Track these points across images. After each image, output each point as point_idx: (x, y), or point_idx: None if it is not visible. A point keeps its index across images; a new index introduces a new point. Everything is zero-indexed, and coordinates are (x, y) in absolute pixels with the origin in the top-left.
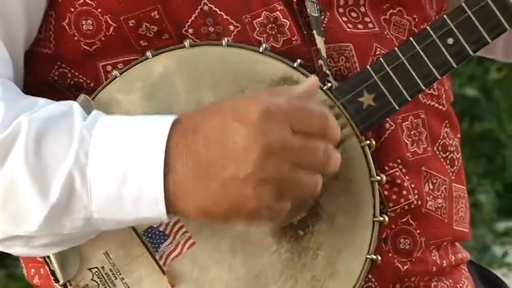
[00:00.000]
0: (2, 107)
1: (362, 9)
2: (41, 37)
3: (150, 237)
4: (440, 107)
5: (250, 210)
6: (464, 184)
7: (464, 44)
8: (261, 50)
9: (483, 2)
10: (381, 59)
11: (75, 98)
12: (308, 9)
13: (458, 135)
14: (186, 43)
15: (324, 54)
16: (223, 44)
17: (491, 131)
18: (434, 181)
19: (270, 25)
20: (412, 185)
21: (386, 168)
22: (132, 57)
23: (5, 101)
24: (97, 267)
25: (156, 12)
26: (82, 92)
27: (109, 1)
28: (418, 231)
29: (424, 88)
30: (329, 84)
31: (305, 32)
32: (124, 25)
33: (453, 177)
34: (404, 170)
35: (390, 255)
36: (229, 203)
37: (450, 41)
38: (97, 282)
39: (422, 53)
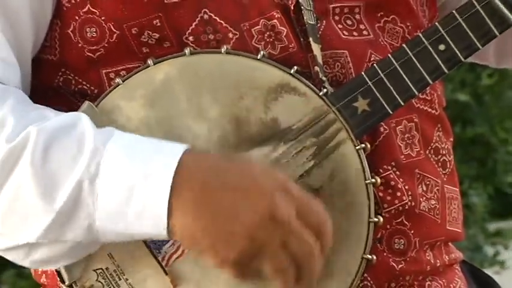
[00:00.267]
0: (12, 119)
1: (357, 16)
2: (46, 44)
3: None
4: (433, 111)
5: (227, 256)
6: (457, 186)
7: (456, 50)
8: (259, 57)
9: (473, 9)
10: (375, 65)
11: (79, 104)
12: (305, 17)
13: (451, 139)
14: (187, 51)
15: (320, 60)
16: (223, 51)
17: (482, 135)
18: (427, 183)
19: (267, 33)
20: (406, 187)
21: (381, 170)
22: (135, 64)
23: (16, 113)
24: (102, 268)
25: (157, 20)
26: (86, 98)
27: (112, 9)
28: (412, 232)
29: (416, 93)
30: (325, 90)
31: (302, 40)
32: (127, 32)
33: (445, 179)
34: (398, 172)
35: (385, 255)
36: (214, 242)
37: (442, 47)
38: (102, 282)
39: (414, 59)
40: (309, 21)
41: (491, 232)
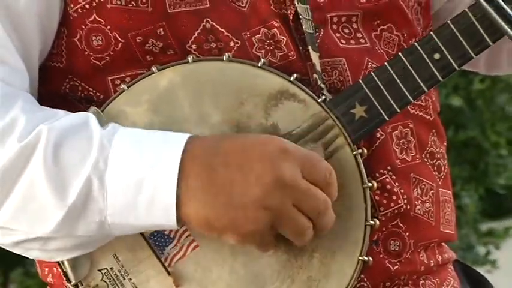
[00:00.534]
0: (23, 118)
1: (354, 25)
2: (53, 52)
3: (156, 240)
4: (428, 117)
5: (247, 231)
6: (451, 189)
7: (450, 59)
8: (259, 65)
9: (467, 19)
10: (372, 72)
11: (85, 110)
12: (304, 26)
13: (445, 143)
14: (189, 58)
15: (318, 68)
16: (224, 59)
17: (474, 139)
18: (423, 186)
19: (268, 41)
20: (402, 191)
21: (377, 175)
22: (139, 72)
23: (26, 112)
24: (106, 268)
25: (161, 29)
26: (92, 104)
27: (118, 19)
28: (407, 234)
29: (412, 100)
30: (323, 97)
31: (301, 48)
32: (132, 41)
33: (440, 183)
34: (394, 176)
35: (381, 256)
36: (229, 220)
37: (437, 56)
38: (106, 282)
39: (410, 68)
40: (308, 30)
41: (483, 232)
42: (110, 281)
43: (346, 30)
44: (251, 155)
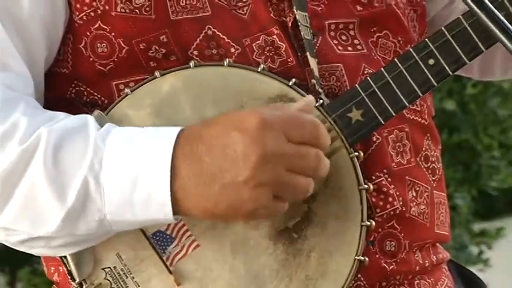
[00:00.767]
0: (24, 121)
1: (351, 32)
2: (59, 58)
3: (158, 240)
4: (423, 121)
5: (248, 210)
6: (445, 191)
7: (444, 64)
8: (259, 70)
9: (461, 26)
10: (368, 78)
11: (90, 114)
12: (302, 33)
13: (439, 147)
14: (191, 64)
15: (316, 74)
16: (225, 64)
17: (467, 142)
18: (417, 189)
19: (267, 48)
20: (397, 193)
21: (374, 177)
22: (142, 77)
23: (27, 115)
24: (110, 267)
25: (164, 36)
26: (96, 108)
27: (122, 26)
28: (402, 235)
29: (407, 105)
30: (321, 101)
31: (299, 54)
32: (135, 48)
33: (434, 185)
34: (389, 179)
35: (377, 256)
36: (228, 204)
37: (431, 61)
38: (109, 280)
39: (405, 73)
40: (306, 37)
41: (476, 232)
42: (113, 279)
43: (344, 37)
44: (232, 136)
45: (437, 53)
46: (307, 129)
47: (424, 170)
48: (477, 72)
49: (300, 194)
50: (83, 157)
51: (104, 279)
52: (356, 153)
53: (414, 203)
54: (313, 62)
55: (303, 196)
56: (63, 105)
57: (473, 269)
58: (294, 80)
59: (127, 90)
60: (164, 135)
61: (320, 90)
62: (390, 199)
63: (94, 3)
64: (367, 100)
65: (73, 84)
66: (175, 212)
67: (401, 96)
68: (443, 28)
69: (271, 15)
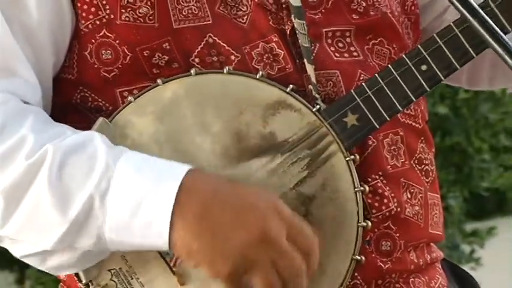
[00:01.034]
0: (32, 137)
1: (348, 39)
2: (66, 64)
3: None
4: (417, 125)
5: (220, 270)
6: (438, 192)
7: (436, 70)
8: (258, 77)
9: (453, 33)
10: (363, 83)
11: (95, 119)
12: (300, 41)
13: (433, 150)
14: (192, 71)
15: (313, 80)
16: (225, 71)
17: (459, 144)
18: (412, 191)
19: (266, 55)
20: (392, 194)
21: (369, 179)
22: (146, 84)
23: (35, 132)
24: (115, 269)
25: (167, 44)
26: (101, 114)
27: (126, 34)
28: (397, 235)
29: (401, 109)
30: (318, 106)
31: (297, 61)
32: (139, 55)
33: (428, 187)
34: (385, 181)
35: (373, 255)
36: (210, 256)
37: (424, 67)
38: (115, 281)
39: (399, 79)
40: (304, 44)
41: (468, 232)
42: (118, 280)
43: (340, 44)
44: (248, 205)
45: (429, 59)
46: (306, 242)
47: (418, 172)
48: (465, 81)
49: (263, 286)
50: (90, 174)
51: (109, 280)
52: (352, 157)
53: (409, 204)
54: (310, 69)
55: None
56: (69, 110)
57: (465, 267)
58: (291, 86)
59: (130, 98)
60: (176, 168)
61: (317, 95)
62: (386, 200)
63: (99, 12)
64: (362, 105)
65: (78, 90)
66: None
67: (395, 101)
68: (435, 35)
69: (270, 23)
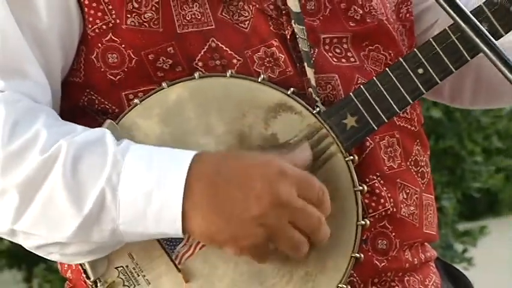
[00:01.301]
0: (45, 132)
1: (345, 46)
2: (73, 68)
3: (167, 240)
4: (413, 128)
5: (244, 245)
6: (433, 193)
7: (432, 73)
8: (259, 80)
9: (448, 37)
10: (361, 86)
11: (101, 121)
12: (300, 45)
13: (428, 152)
14: (196, 75)
15: (313, 83)
16: (228, 75)
17: (452, 147)
18: (408, 191)
19: (267, 59)
20: (389, 195)
21: (367, 180)
22: (151, 87)
23: (48, 127)
24: (122, 266)
25: (171, 48)
26: (107, 117)
27: (132, 38)
28: (393, 234)
29: (398, 111)
30: (318, 109)
31: (297, 65)
32: (144, 58)
33: (423, 188)
34: (382, 181)
35: (370, 254)
36: (230, 234)
37: (420, 70)
38: (122, 278)
39: (396, 82)
40: (304, 49)
41: (461, 232)
42: (125, 278)
43: (338, 50)
44: (252, 175)
45: (426, 63)
46: (316, 192)
47: (414, 173)
48: (447, 96)
49: (291, 249)
50: (102, 169)
51: (117, 278)
52: (351, 157)
53: (404, 205)
54: (310, 72)
55: (293, 253)
56: (76, 113)
57: (458, 266)
58: (292, 89)
59: (136, 101)
60: (181, 156)
61: (317, 98)
62: (382, 200)
63: (106, 17)
64: (360, 107)
65: (85, 92)
66: (183, 228)
67: (393, 103)
68: (431, 39)
69: (271, 28)
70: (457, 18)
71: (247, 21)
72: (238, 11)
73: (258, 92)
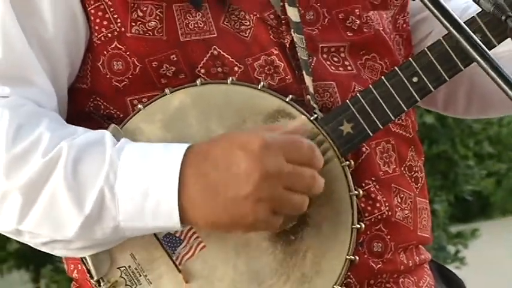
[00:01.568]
0: (48, 135)
1: (342, 55)
2: (80, 75)
3: (168, 241)
4: (408, 134)
5: (249, 223)
6: (427, 197)
7: (427, 81)
8: (259, 87)
9: (442, 47)
10: (358, 94)
11: (107, 126)
12: (299, 54)
13: (422, 158)
14: (198, 81)
15: (311, 90)
16: (229, 82)
17: (446, 152)
18: (402, 195)
19: (267, 66)
20: (384, 199)
21: (363, 184)
22: (154, 93)
23: (50, 130)
24: (125, 266)
25: (174, 55)
26: (112, 121)
27: (136, 46)
28: (388, 237)
29: (393, 118)
30: (315, 115)
31: (296, 72)
32: (148, 66)
33: (417, 192)
34: (377, 186)
35: (365, 256)
36: (230, 217)
37: (415, 79)
38: (124, 278)
39: (392, 90)
40: (303, 57)
41: (453, 234)
42: (127, 277)
43: (335, 59)
44: (237, 155)
45: (420, 71)
46: (304, 151)
47: (408, 178)
48: (441, 104)
49: (295, 210)
50: (100, 169)
51: (119, 277)
52: (347, 162)
53: (399, 208)
54: (308, 80)
55: (298, 212)
56: (83, 118)
57: (450, 267)
58: (291, 96)
59: (140, 106)
60: (174, 150)
61: (315, 105)
62: (378, 204)
63: (111, 25)
64: (357, 114)
65: (91, 98)
66: (182, 221)
67: (388, 111)
68: (425, 49)
69: (271, 37)
70: (451, 28)
71: (248, 30)
72: (240, 20)
73: (258, 98)
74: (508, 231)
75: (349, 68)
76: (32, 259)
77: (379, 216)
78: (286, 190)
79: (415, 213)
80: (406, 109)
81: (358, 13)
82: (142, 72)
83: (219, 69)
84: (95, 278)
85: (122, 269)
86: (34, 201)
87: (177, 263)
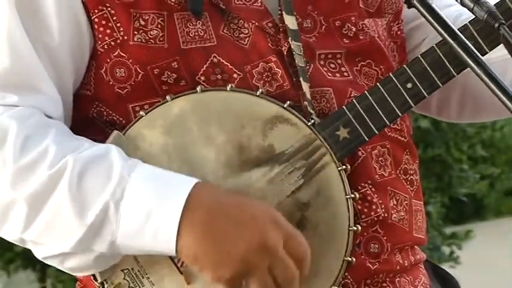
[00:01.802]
0: (54, 148)
1: (339, 61)
2: (83, 82)
3: None
4: (403, 138)
5: (222, 274)
6: (422, 199)
7: (421, 88)
8: (258, 94)
9: (435, 54)
10: (354, 100)
11: (109, 132)
12: (296, 61)
13: (417, 161)
14: (198, 88)
15: (308, 96)
16: (228, 89)
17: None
18: (398, 198)
19: (265, 73)
20: (380, 201)
21: (359, 187)
22: (156, 100)
23: (56, 143)
24: (128, 268)
25: (175, 63)
26: (115, 127)
27: (138, 54)
28: (385, 238)
29: (388, 123)
30: (313, 121)
31: (294, 79)
32: (150, 73)
33: (413, 195)
34: (373, 189)
35: (362, 257)
36: (213, 261)
37: (409, 85)
38: (128, 280)
39: (386, 96)
40: (300, 64)
41: (448, 235)
42: (130, 279)
43: (332, 65)
44: (248, 216)
45: (414, 78)
46: (301, 249)
47: (403, 181)
48: (434, 109)
49: None
50: (106, 184)
51: (122, 279)
52: (344, 166)
53: (395, 210)
54: (305, 86)
55: None
56: (86, 124)
57: (445, 266)
58: (288, 102)
59: (142, 113)
60: (185, 180)
61: (312, 111)
62: (374, 207)
63: (114, 34)
64: (353, 120)
65: (94, 105)
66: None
67: (383, 116)
68: (419, 56)
69: (269, 45)
70: (446, 35)
71: (247, 38)
72: (239, 28)
73: (256, 105)
74: (501, 232)
75: (345, 74)
76: (38, 259)
77: (376, 218)
78: (268, 270)
79: (410, 215)
80: (400, 114)
81: (354, 21)
82: (144, 79)
83: (219, 76)
84: (99, 280)
85: (125, 271)
86: (39, 211)
87: (179, 265)
